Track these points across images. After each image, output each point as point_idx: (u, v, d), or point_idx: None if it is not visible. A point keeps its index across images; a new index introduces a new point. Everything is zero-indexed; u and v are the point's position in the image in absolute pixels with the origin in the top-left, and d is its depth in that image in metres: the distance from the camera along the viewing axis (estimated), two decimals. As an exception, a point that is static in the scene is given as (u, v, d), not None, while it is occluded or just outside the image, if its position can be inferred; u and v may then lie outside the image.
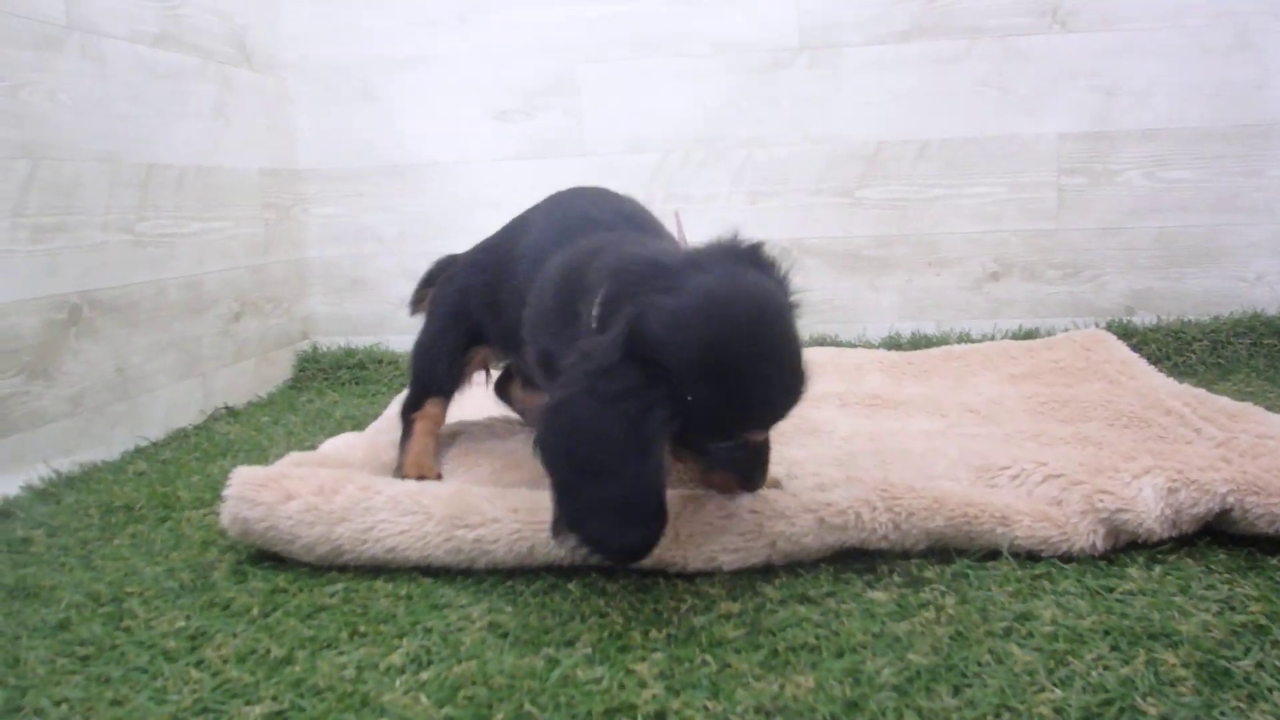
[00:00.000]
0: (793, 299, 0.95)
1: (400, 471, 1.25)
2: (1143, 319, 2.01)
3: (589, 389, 0.85)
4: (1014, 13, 1.98)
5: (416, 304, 1.47)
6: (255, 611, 0.92)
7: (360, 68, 2.14)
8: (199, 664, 0.83)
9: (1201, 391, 1.35)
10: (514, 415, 1.52)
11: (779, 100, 2.06)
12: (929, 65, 2.01)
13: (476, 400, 1.45)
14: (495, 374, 1.51)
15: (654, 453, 0.84)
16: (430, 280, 1.46)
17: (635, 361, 0.85)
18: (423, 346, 1.36)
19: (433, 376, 1.34)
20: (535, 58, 2.10)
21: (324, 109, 2.16)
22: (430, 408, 1.32)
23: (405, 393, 1.37)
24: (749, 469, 0.97)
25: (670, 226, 1.23)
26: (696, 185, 2.10)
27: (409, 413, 1.32)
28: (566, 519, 0.86)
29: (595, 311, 0.94)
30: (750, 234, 0.99)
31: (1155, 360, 1.79)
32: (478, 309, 1.30)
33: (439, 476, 1.26)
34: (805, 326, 1.15)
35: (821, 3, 2.02)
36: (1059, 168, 2.01)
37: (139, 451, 1.57)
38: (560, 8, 2.08)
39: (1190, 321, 1.96)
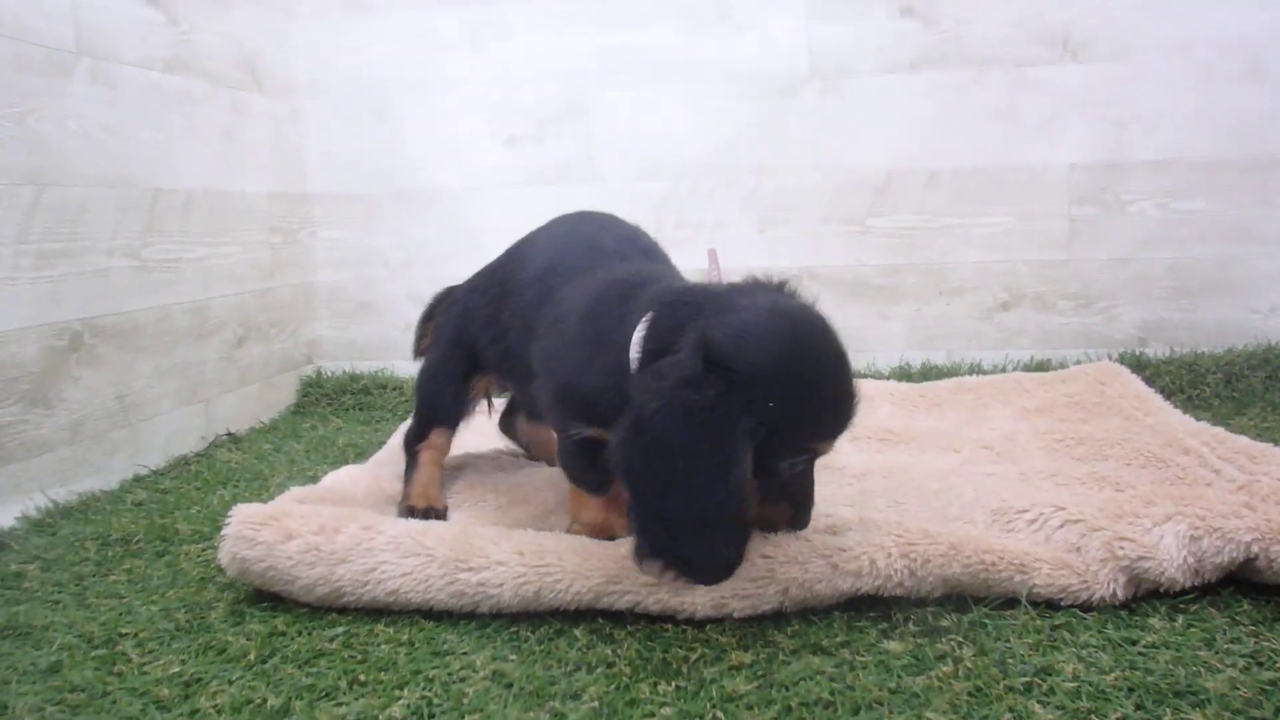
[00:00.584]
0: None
1: (406, 503, 1.23)
2: (1156, 350, 1.98)
3: (672, 402, 0.85)
4: (1025, 43, 1.97)
5: (419, 343, 1.45)
6: (252, 656, 0.90)
7: (370, 91, 2.14)
8: (193, 714, 0.80)
9: (1220, 430, 1.32)
10: (519, 449, 1.50)
11: (789, 128, 2.05)
12: (939, 94, 2.00)
13: (481, 432, 1.43)
14: (499, 403, 1.48)
15: (740, 464, 0.85)
16: (430, 316, 1.43)
17: (715, 372, 0.85)
18: (427, 375, 1.34)
19: (437, 406, 1.32)
20: (546, 83, 2.10)
21: (333, 132, 2.16)
22: (435, 438, 1.30)
23: (408, 422, 1.35)
24: (803, 498, 0.98)
25: (675, 259, 1.22)
26: (706, 213, 2.09)
27: (414, 444, 1.30)
28: (650, 542, 0.86)
29: (640, 334, 0.94)
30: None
31: (1169, 393, 1.76)
32: (478, 333, 1.28)
33: (445, 508, 1.24)
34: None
35: (832, 31, 2.01)
36: (1070, 197, 2.00)
37: (138, 480, 1.55)
38: (572, 34, 2.08)
39: (1204, 353, 1.93)
